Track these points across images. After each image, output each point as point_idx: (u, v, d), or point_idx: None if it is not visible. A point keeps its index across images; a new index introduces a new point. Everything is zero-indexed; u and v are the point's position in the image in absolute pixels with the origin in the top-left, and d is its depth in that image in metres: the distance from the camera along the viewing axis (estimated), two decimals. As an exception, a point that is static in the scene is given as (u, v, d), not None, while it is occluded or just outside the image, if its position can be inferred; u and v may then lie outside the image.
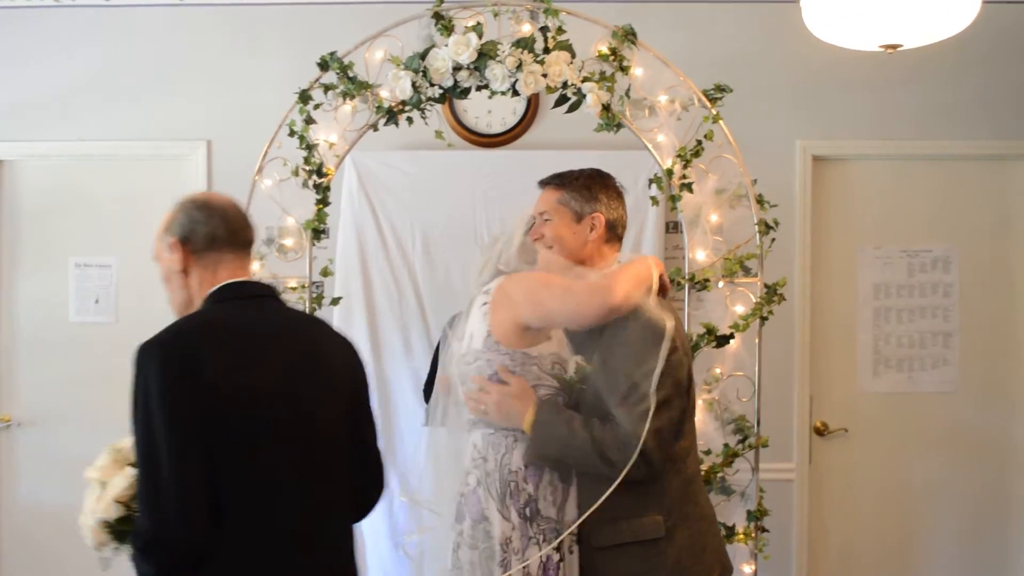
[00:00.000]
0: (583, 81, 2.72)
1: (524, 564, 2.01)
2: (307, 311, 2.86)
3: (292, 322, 1.90)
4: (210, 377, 1.63)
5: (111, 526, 1.71)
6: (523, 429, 2.04)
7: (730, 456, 2.82)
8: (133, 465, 1.71)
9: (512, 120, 3.67)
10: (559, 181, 2.24)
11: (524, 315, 2.05)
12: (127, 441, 1.74)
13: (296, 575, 1.74)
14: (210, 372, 1.64)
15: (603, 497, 1.98)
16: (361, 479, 1.96)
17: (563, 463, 2.04)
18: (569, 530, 2.05)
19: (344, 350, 1.96)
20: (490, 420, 2.07)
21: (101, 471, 1.76)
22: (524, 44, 2.68)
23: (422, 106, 2.78)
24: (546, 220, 2.21)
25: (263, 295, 1.88)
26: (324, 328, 2.00)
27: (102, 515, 1.71)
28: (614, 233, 2.24)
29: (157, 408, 1.60)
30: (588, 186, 2.22)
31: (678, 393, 2.05)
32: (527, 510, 2.06)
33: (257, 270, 2.86)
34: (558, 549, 2.08)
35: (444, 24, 2.72)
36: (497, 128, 3.68)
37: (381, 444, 2.05)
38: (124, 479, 1.72)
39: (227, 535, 1.64)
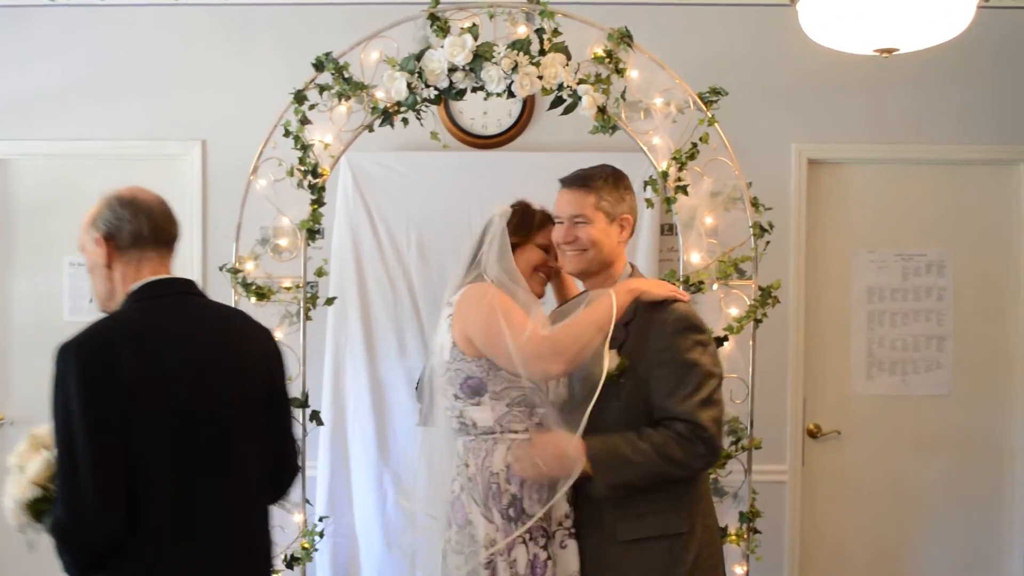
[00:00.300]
0: (579, 83, 2.72)
1: (492, 551, 2.02)
2: (301, 311, 2.86)
3: (210, 317, 1.94)
4: (127, 377, 1.68)
5: (30, 506, 1.77)
6: (584, 469, 2.01)
7: (723, 457, 2.82)
8: (48, 448, 1.78)
9: (508, 122, 3.66)
10: (590, 183, 2.19)
11: (475, 339, 2.07)
12: (46, 427, 1.79)
13: (215, 562, 1.79)
14: (127, 372, 1.69)
15: (562, 491, 2.02)
16: (275, 465, 1.99)
17: (631, 481, 2.01)
18: (531, 521, 2.05)
19: (260, 341, 2.00)
20: (551, 475, 2.03)
21: (20, 456, 1.82)
22: (520, 46, 2.68)
23: (417, 107, 2.77)
24: (579, 223, 2.17)
25: (184, 292, 1.92)
26: (242, 319, 2.03)
27: (20, 496, 1.77)
28: (631, 233, 2.25)
29: (76, 407, 1.65)
30: (616, 187, 2.20)
31: (720, 384, 2.10)
32: (511, 510, 2.06)
33: (251, 270, 2.86)
34: (546, 547, 2.08)
35: (440, 25, 2.72)
36: (492, 129, 3.67)
37: (297, 432, 2.12)
38: (40, 462, 1.78)
39: (146, 526, 1.69)
